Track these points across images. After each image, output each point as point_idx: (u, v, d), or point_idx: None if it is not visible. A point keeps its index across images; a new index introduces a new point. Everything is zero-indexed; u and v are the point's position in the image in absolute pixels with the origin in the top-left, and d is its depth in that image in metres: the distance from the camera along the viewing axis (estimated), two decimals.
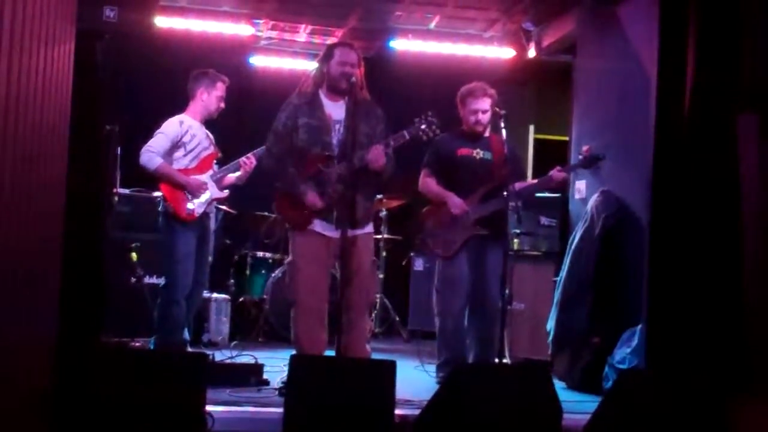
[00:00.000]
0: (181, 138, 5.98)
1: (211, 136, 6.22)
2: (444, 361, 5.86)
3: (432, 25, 8.76)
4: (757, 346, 4.83)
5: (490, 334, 5.69)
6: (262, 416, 4.61)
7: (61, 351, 4.19)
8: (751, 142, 4.98)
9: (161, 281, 6.25)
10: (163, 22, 7.99)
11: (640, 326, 5.49)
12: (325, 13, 8.55)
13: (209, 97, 6.11)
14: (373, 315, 8.03)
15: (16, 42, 3.22)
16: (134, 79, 7.95)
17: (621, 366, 5.51)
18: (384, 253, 8.53)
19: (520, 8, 8.14)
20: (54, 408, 3.99)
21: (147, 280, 6.86)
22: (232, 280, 8.10)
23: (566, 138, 7.68)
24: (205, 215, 6.08)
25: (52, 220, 4.05)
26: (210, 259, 6.36)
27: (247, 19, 8.52)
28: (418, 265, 8.65)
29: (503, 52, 8.84)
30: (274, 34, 9.11)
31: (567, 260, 6.27)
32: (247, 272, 8.27)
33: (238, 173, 6.20)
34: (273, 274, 8.03)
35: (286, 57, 9.42)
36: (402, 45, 8.81)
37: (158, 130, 5.98)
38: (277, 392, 5.13)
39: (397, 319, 8.45)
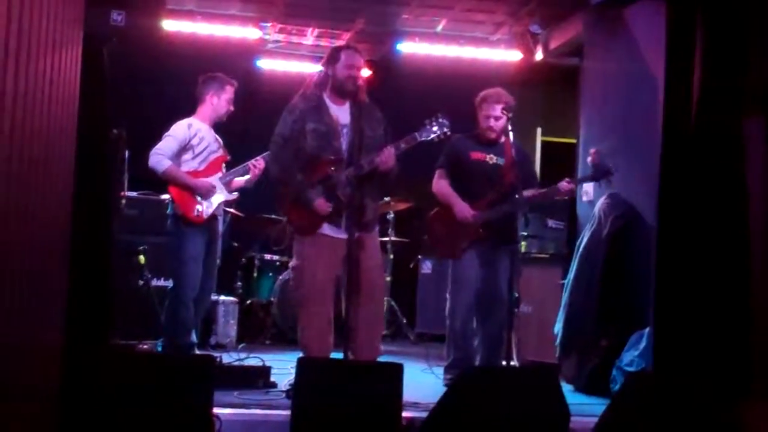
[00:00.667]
0: (189, 141, 5.99)
1: (219, 139, 6.23)
2: (452, 363, 5.86)
3: (439, 28, 8.78)
4: (764, 348, 4.83)
5: (498, 336, 5.69)
6: (269, 418, 4.62)
7: (69, 354, 4.20)
8: (758, 144, 4.97)
9: (169, 284, 6.26)
10: (170, 25, 8.02)
11: (647, 329, 5.48)
12: (332, 17, 8.58)
13: (219, 101, 6.12)
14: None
15: (23, 46, 3.24)
16: (142, 83, 7.98)
17: (629, 368, 5.50)
18: (391, 256, 8.52)
19: (526, 11, 8.15)
20: (62, 411, 4.00)
21: (155, 282, 6.87)
22: (239, 283, 8.11)
23: (574, 140, 7.68)
24: (213, 218, 6.09)
25: (59, 224, 4.06)
26: (218, 261, 6.36)
27: (254, 22, 8.54)
28: (426, 267, 8.66)
29: (510, 55, 8.85)
30: (281, 37, 9.14)
31: (574, 263, 6.26)
32: (255, 275, 8.28)
33: (246, 176, 6.20)
34: (280, 277, 8.04)
35: (293, 60, 9.44)
36: (409, 48, 8.83)
37: (167, 133, 5.99)
38: (284, 394, 5.13)
39: (405, 321, 8.45)
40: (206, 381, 4.02)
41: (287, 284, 7.88)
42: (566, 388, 5.27)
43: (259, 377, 5.46)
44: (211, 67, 6.50)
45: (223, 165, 6.23)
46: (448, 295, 5.99)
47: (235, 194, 6.27)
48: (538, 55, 8.55)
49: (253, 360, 5.98)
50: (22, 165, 3.33)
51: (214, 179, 6.08)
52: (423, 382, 5.93)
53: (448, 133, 5.31)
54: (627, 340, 5.69)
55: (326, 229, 5.19)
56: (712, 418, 4.12)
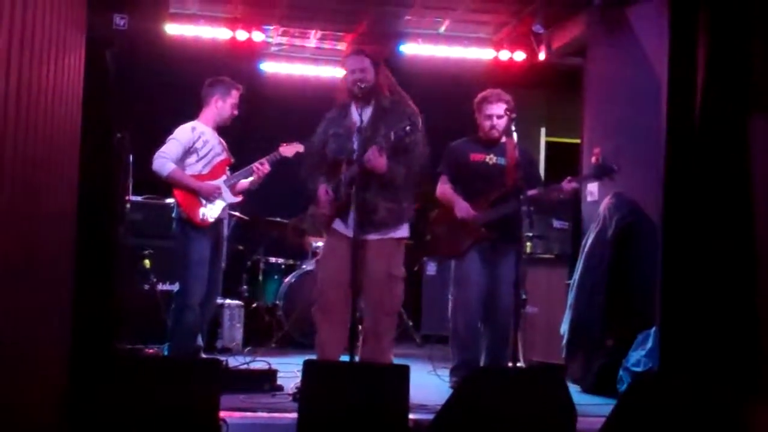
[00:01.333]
0: (193, 144, 5.99)
1: (223, 142, 6.23)
2: (457, 365, 5.85)
3: (442, 29, 8.78)
4: None
5: (504, 337, 5.68)
6: (276, 422, 4.62)
7: (75, 358, 4.21)
8: (762, 143, 4.96)
9: (175, 288, 6.26)
10: (172, 29, 8.02)
11: (654, 329, 5.47)
12: (334, 19, 8.58)
13: (223, 105, 6.12)
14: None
15: (26, 50, 3.24)
16: (145, 86, 7.98)
17: (635, 369, 5.50)
18: (401, 262, 8.50)
19: (529, 11, 8.15)
20: (69, 415, 4.00)
21: (160, 286, 6.88)
22: (245, 286, 8.11)
23: (578, 140, 7.67)
24: (218, 221, 6.08)
25: (64, 228, 4.07)
26: (223, 265, 6.36)
27: (257, 25, 8.54)
28: (431, 269, 8.66)
29: (513, 56, 8.84)
30: (284, 40, 9.15)
31: (580, 263, 6.25)
32: (260, 278, 8.28)
33: (251, 178, 6.20)
34: (286, 280, 8.04)
35: (297, 63, 9.44)
36: (412, 49, 8.82)
37: (171, 137, 5.99)
38: (291, 398, 5.13)
39: (411, 323, 8.44)
40: (213, 384, 4.02)
41: (293, 287, 7.90)
42: (573, 388, 5.25)
43: (266, 380, 5.46)
44: (214, 70, 6.50)
45: (228, 168, 6.23)
46: (450, 296, 5.98)
47: (240, 197, 6.27)
48: (542, 55, 8.54)
49: (259, 363, 5.98)
50: (25, 169, 3.33)
51: (219, 182, 6.08)
52: (429, 384, 5.93)
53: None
54: (633, 340, 5.68)
55: (337, 224, 5.24)
56: (720, 418, 4.11)
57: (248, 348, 7.35)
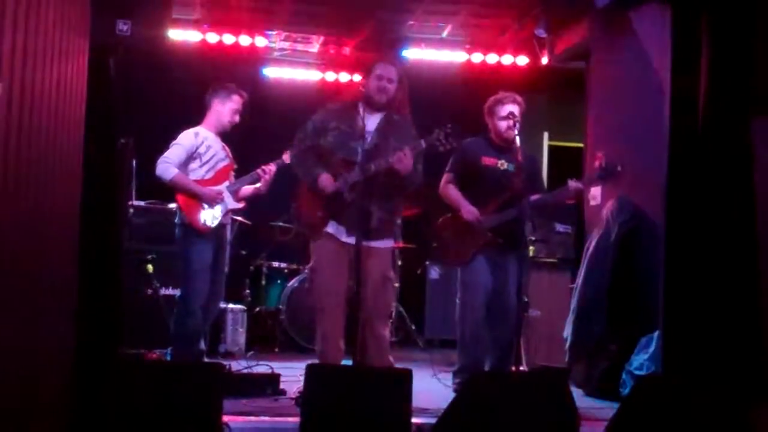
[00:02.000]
0: (196, 149, 6.00)
1: (227, 147, 6.24)
2: (461, 368, 5.85)
3: (444, 34, 8.78)
4: None
5: (509, 342, 5.67)
6: (278, 426, 4.61)
7: (79, 363, 4.21)
8: (765, 145, 4.96)
9: (177, 292, 6.26)
10: (176, 34, 8.04)
11: (657, 332, 5.46)
12: (337, 24, 8.59)
13: (223, 109, 6.12)
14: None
15: (29, 56, 3.25)
16: (148, 92, 8.00)
17: (638, 372, 5.49)
18: (399, 262, 8.52)
19: (532, 15, 8.15)
20: (73, 420, 4.01)
21: (163, 291, 6.88)
22: (248, 291, 8.11)
23: (581, 145, 7.67)
24: (221, 226, 6.09)
25: (67, 232, 4.07)
26: (226, 269, 6.37)
27: (260, 30, 8.56)
28: (434, 273, 8.66)
29: (516, 60, 8.85)
30: (287, 45, 9.15)
31: (583, 267, 6.25)
32: (263, 282, 8.29)
33: (257, 184, 6.21)
34: (289, 284, 8.05)
35: (300, 68, 9.45)
36: (415, 54, 8.83)
37: (174, 142, 6.00)
38: (293, 402, 5.13)
39: (414, 327, 8.44)
40: (215, 389, 4.03)
41: (295, 291, 7.90)
42: (576, 392, 5.25)
43: (268, 385, 5.46)
44: (217, 75, 6.51)
45: (232, 173, 6.24)
46: (458, 301, 5.97)
47: (242, 203, 6.28)
48: (544, 60, 8.54)
49: (262, 367, 5.98)
50: (29, 174, 3.34)
51: (222, 187, 6.08)
52: (432, 388, 5.92)
53: (454, 143, 5.28)
54: (636, 344, 5.67)
55: (331, 227, 5.20)
56: (723, 422, 4.10)
57: (251, 352, 7.36)
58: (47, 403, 3.76)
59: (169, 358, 6.10)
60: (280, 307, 7.99)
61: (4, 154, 3.03)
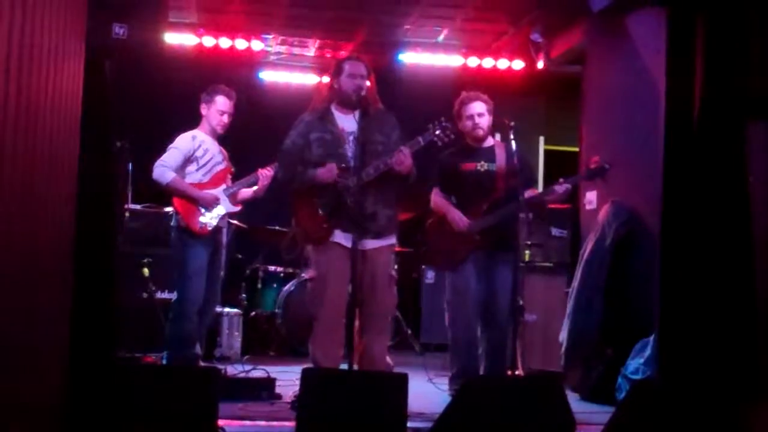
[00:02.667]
0: (193, 153, 6.01)
1: (224, 151, 6.24)
2: (456, 374, 5.84)
3: (440, 38, 8.80)
4: None
5: (502, 345, 5.67)
6: (274, 430, 4.63)
7: (74, 366, 4.20)
8: (760, 150, 4.97)
9: (173, 296, 6.26)
10: (172, 38, 8.04)
11: (652, 336, 5.47)
12: (333, 28, 8.60)
13: (209, 112, 6.12)
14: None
15: (25, 59, 3.25)
16: (145, 96, 8.00)
17: (634, 376, 5.49)
18: (395, 266, 8.51)
19: (528, 20, 8.17)
20: (67, 424, 4.00)
21: (159, 295, 6.88)
22: (243, 295, 8.11)
23: (576, 149, 7.68)
24: (217, 230, 6.09)
25: (62, 236, 4.07)
26: (222, 273, 6.37)
27: (256, 34, 8.56)
28: (430, 277, 8.65)
29: (512, 64, 8.86)
30: (283, 48, 9.16)
31: (578, 271, 6.25)
32: (259, 286, 8.29)
33: (254, 187, 6.21)
34: (285, 288, 8.04)
35: (296, 72, 9.46)
36: (411, 58, 8.84)
37: (171, 145, 6.01)
38: (289, 406, 5.13)
39: (410, 331, 8.43)
40: (211, 393, 4.02)
41: (291, 296, 7.89)
42: (571, 396, 5.26)
43: (264, 389, 5.47)
44: (213, 79, 6.51)
45: (229, 177, 6.24)
46: (446, 305, 5.96)
47: (239, 206, 6.28)
48: (540, 64, 8.55)
49: (257, 372, 5.98)
50: (24, 177, 3.33)
51: (219, 191, 6.09)
52: (428, 392, 5.92)
53: (452, 136, 5.31)
54: (632, 348, 5.67)
55: (338, 236, 5.17)
56: (719, 426, 4.11)
57: (246, 356, 7.35)
58: (41, 408, 3.75)
59: (164, 362, 6.09)
60: (276, 311, 7.98)
61: None
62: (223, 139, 6.25)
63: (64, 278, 4.13)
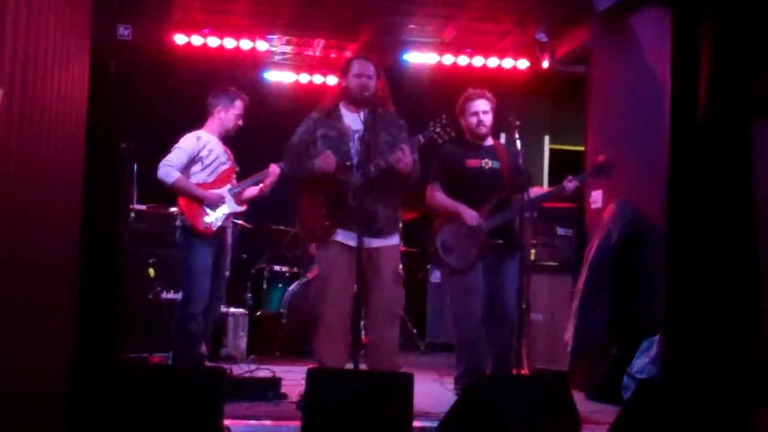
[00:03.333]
0: (198, 153, 6.01)
1: (229, 151, 6.25)
2: (462, 373, 5.83)
3: (445, 38, 8.79)
4: None
5: (508, 345, 5.66)
6: (280, 430, 4.63)
7: (80, 367, 4.21)
8: (766, 150, 4.96)
9: (178, 296, 6.26)
10: (177, 39, 8.05)
11: (658, 336, 5.46)
12: (338, 28, 8.60)
13: (226, 115, 6.13)
14: None
15: (30, 60, 3.25)
16: (150, 96, 8.00)
17: (640, 376, 5.49)
18: (401, 266, 8.51)
19: (532, 19, 8.16)
20: (73, 424, 4.00)
21: (164, 295, 6.88)
22: (249, 294, 8.12)
23: (582, 148, 7.67)
24: (222, 229, 6.09)
25: (68, 236, 4.08)
26: (227, 273, 6.37)
27: (261, 34, 8.57)
28: (435, 277, 8.65)
29: (517, 64, 8.86)
30: (288, 48, 9.16)
31: (584, 270, 6.25)
32: (264, 286, 8.29)
33: (260, 185, 6.21)
34: (290, 288, 8.05)
35: (301, 72, 9.46)
36: (416, 58, 8.84)
37: (176, 145, 6.01)
38: (295, 405, 5.13)
39: (415, 331, 8.44)
40: (216, 393, 4.02)
41: (297, 295, 7.90)
42: (577, 395, 5.25)
43: (270, 388, 5.46)
44: (218, 79, 6.52)
45: (234, 177, 6.24)
46: (450, 305, 5.91)
47: (244, 206, 6.28)
48: (545, 64, 8.55)
49: (263, 371, 5.98)
50: (30, 178, 3.34)
51: (223, 191, 6.09)
52: (434, 392, 5.92)
53: (453, 133, 5.32)
54: (638, 348, 5.67)
55: (340, 236, 5.18)
56: (724, 426, 4.10)
57: (252, 356, 7.36)
58: (47, 407, 3.75)
59: (170, 362, 6.09)
60: (282, 310, 7.99)
61: (5, 157, 3.04)
62: (228, 139, 6.26)
63: (70, 279, 4.14)
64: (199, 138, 6.05)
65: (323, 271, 5.28)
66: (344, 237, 5.17)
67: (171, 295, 6.86)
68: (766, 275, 4.90)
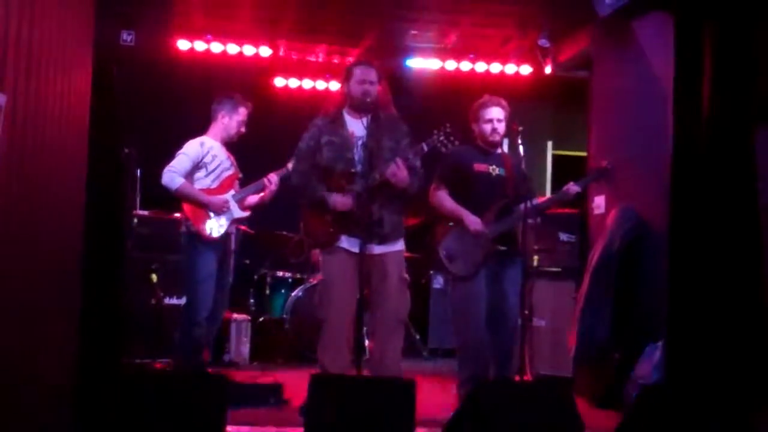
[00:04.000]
0: (202, 159, 6.01)
1: (232, 157, 6.25)
2: (465, 379, 5.81)
3: (448, 44, 8.79)
4: None
5: (510, 350, 5.66)
6: None
7: (82, 372, 4.21)
8: None
9: (182, 302, 6.27)
10: (180, 44, 8.06)
11: (661, 342, 5.46)
12: (341, 34, 8.60)
13: (230, 121, 6.14)
14: None
15: (33, 67, 3.26)
16: (152, 102, 8.01)
17: (643, 381, 5.48)
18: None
19: (535, 25, 8.16)
20: (76, 429, 4.00)
21: (167, 301, 6.88)
22: (252, 300, 8.11)
23: (584, 154, 7.67)
24: (226, 235, 6.09)
25: (71, 242, 4.08)
26: (230, 279, 6.37)
27: (264, 40, 8.58)
28: (438, 282, 8.64)
29: (520, 70, 8.86)
30: (291, 54, 9.15)
31: (587, 276, 6.24)
32: (267, 292, 8.28)
33: (261, 193, 6.22)
34: (293, 294, 8.04)
35: (304, 77, 9.46)
36: (418, 63, 8.85)
37: (180, 151, 6.02)
38: (297, 411, 5.12)
39: (418, 337, 8.43)
40: (219, 399, 4.02)
41: (300, 301, 7.89)
42: (580, 401, 5.24)
43: (272, 394, 5.47)
44: (221, 85, 6.53)
45: (237, 182, 6.25)
46: (452, 310, 5.89)
47: (248, 212, 6.28)
48: (548, 69, 8.55)
49: (266, 377, 5.99)
50: (34, 184, 3.35)
51: (227, 196, 6.09)
52: (437, 398, 5.91)
53: (456, 142, 5.33)
54: (641, 353, 5.66)
55: (344, 242, 5.19)
56: (728, 431, 4.10)
57: (255, 362, 7.35)
58: (50, 413, 3.76)
59: (173, 367, 6.10)
60: (284, 316, 7.98)
61: (8, 163, 3.04)
62: (231, 145, 6.26)
63: (73, 284, 4.15)
64: (202, 144, 6.05)
65: (327, 277, 5.29)
66: (348, 243, 5.19)
67: (174, 301, 6.87)
68: None
